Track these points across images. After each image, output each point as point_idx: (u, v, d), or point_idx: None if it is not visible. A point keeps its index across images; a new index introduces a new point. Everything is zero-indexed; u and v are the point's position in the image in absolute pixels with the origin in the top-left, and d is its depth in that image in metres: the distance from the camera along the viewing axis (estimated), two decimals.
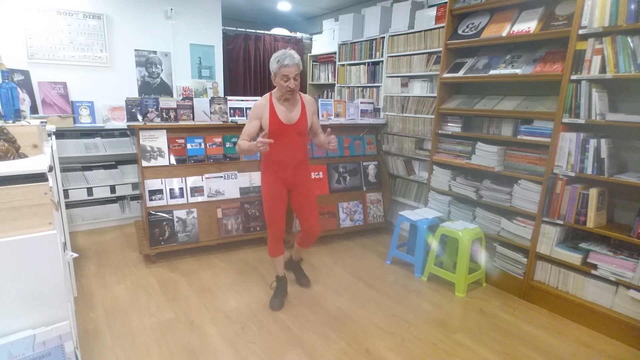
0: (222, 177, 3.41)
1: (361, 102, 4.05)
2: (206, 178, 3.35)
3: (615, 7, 2.18)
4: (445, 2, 3.28)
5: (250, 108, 3.62)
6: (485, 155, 2.91)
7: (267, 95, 2.37)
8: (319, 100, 3.83)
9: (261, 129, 2.34)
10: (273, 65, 2.23)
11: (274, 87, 2.34)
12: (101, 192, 3.92)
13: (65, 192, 3.67)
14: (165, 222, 3.18)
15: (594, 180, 2.40)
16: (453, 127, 3.21)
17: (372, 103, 4.15)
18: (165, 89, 4.43)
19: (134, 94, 4.22)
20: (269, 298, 2.61)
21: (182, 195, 3.26)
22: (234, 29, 5.46)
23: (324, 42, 5.39)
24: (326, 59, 5.38)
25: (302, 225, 2.58)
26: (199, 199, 3.31)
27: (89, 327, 2.28)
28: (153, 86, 4.36)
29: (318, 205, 3.63)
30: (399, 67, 4.01)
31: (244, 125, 3.40)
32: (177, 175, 3.27)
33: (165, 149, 3.23)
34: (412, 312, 2.54)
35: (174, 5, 4.28)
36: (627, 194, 2.45)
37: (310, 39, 5.88)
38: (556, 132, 2.49)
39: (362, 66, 4.54)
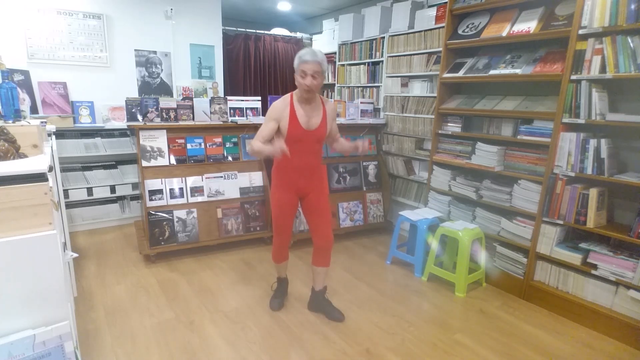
0: (222, 177, 3.41)
1: (361, 102, 4.05)
2: (206, 178, 3.35)
3: (615, 7, 2.18)
4: (445, 2, 3.28)
5: (250, 108, 3.64)
6: (485, 155, 2.91)
7: (287, 96, 2.19)
8: None
9: (278, 131, 2.18)
10: (295, 61, 2.09)
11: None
12: (101, 192, 3.92)
13: (65, 192, 3.67)
14: (165, 222, 3.18)
15: (594, 180, 2.40)
16: (453, 127, 3.21)
17: (372, 103, 4.15)
18: (165, 89, 4.43)
19: (134, 94, 4.22)
20: (269, 298, 2.61)
21: (182, 195, 3.26)
22: (234, 29, 5.46)
23: (324, 42, 5.39)
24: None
25: (313, 235, 2.36)
26: (199, 199, 3.31)
27: (89, 327, 2.28)
28: (153, 86, 4.36)
29: None
30: (399, 67, 4.01)
31: (243, 125, 3.47)
32: (177, 175, 3.27)
33: (165, 149, 3.23)
34: (412, 312, 2.54)
35: (174, 5, 4.28)
36: (627, 194, 2.45)
37: (310, 39, 5.88)
38: (556, 132, 2.49)
39: (362, 66, 4.54)
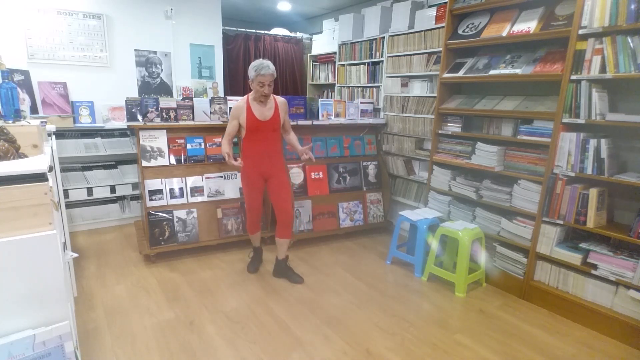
0: (222, 177, 3.41)
1: (361, 102, 4.05)
2: (206, 178, 3.35)
3: (615, 7, 2.18)
4: (445, 2, 3.28)
5: None
6: (485, 155, 2.91)
7: (244, 97, 2.68)
8: (319, 100, 3.84)
9: (240, 127, 2.68)
10: (251, 72, 2.54)
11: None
12: (101, 192, 3.92)
13: (65, 192, 3.67)
14: (165, 222, 3.18)
15: (594, 180, 2.40)
16: (453, 127, 3.21)
17: (372, 103, 4.15)
18: (165, 89, 4.43)
19: (134, 94, 4.22)
20: (269, 298, 2.62)
21: (182, 195, 3.26)
22: (234, 29, 5.46)
23: (324, 42, 5.39)
24: (326, 59, 5.38)
25: (276, 210, 2.82)
26: (199, 199, 3.31)
27: (89, 327, 2.28)
28: (153, 86, 4.36)
29: (318, 205, 3.66)
30: (399, 67, 4.01)
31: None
32: (177, 175, 3.27)
33: (165, 149, 3.23)
34: (412, 312, 2.54)
35: (174, 5, 4.28)
36: (627, 194, 2.45)
37: (310, 39, 5.88)
38: (556, 132, 2.49)
39: (362, 66, 4.54)
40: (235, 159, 2.56)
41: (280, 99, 2.76)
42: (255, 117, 2.63)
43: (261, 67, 2.50)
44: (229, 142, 2.68)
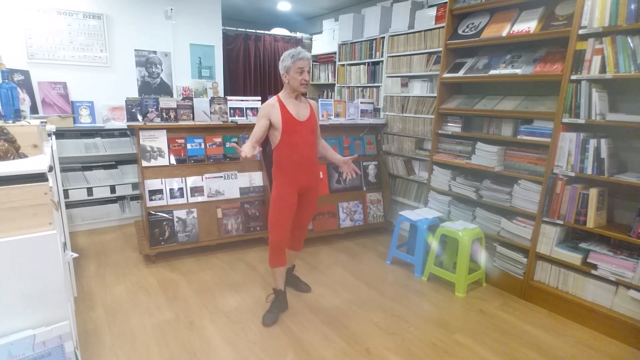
0: (222, 177, 3.41)
1: (361, 102, 4.05)
2: (206, 178, 3.35)
3: (615, 7, 2.18)
4: (445, 2, 3.28)
5: (250, 108, 3.64)
6: (485, 155, 2.91)
7: (273, 97, 2.31)
8: (319, 100, 3.83)
9: (272, 128, 2.26)
10: (287, 61, 2.20)
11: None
12: (101, 192, 3.92)
13: (65, 192, 3.67)
14: (165, 222, 3.18)
15: (594, 180, 2.40)
16: (453, 127, 3.21)
17: (372, 103, 4.15)
18: (165, 89, 4.43)
19: (134, 94, 4.22)
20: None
21: (182, 195, 3.26)
22: (234, 29, 5.46)
23: (324, 42, 5.39)
24: (326, 59, 5.38)
25: (295, 225, 2.45)
26: (199, 199, 3.31)
27: (89, 327, 2.28)
28: (153, 86, 4.36)
29: (318, 205, 3.64)
30: (399, 67, 4.01)
31: (243, 125, 3.47)
32: (177, 175, 3.27)
33: (165, 149, 3.23)
34: (412, 312, 2.54)
35: (174, 5, 4.28)
36: (627, 194, 2.44)
37: (310, 39, 5.88)
38: (556, 132, 2.49)
39: (362, 66, 4.54)
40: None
41: (312, 101, 2.44)
42: (291, 115, 2.25)
43: (299, 52, 2.20)
44: (253, 146, 2.15)
